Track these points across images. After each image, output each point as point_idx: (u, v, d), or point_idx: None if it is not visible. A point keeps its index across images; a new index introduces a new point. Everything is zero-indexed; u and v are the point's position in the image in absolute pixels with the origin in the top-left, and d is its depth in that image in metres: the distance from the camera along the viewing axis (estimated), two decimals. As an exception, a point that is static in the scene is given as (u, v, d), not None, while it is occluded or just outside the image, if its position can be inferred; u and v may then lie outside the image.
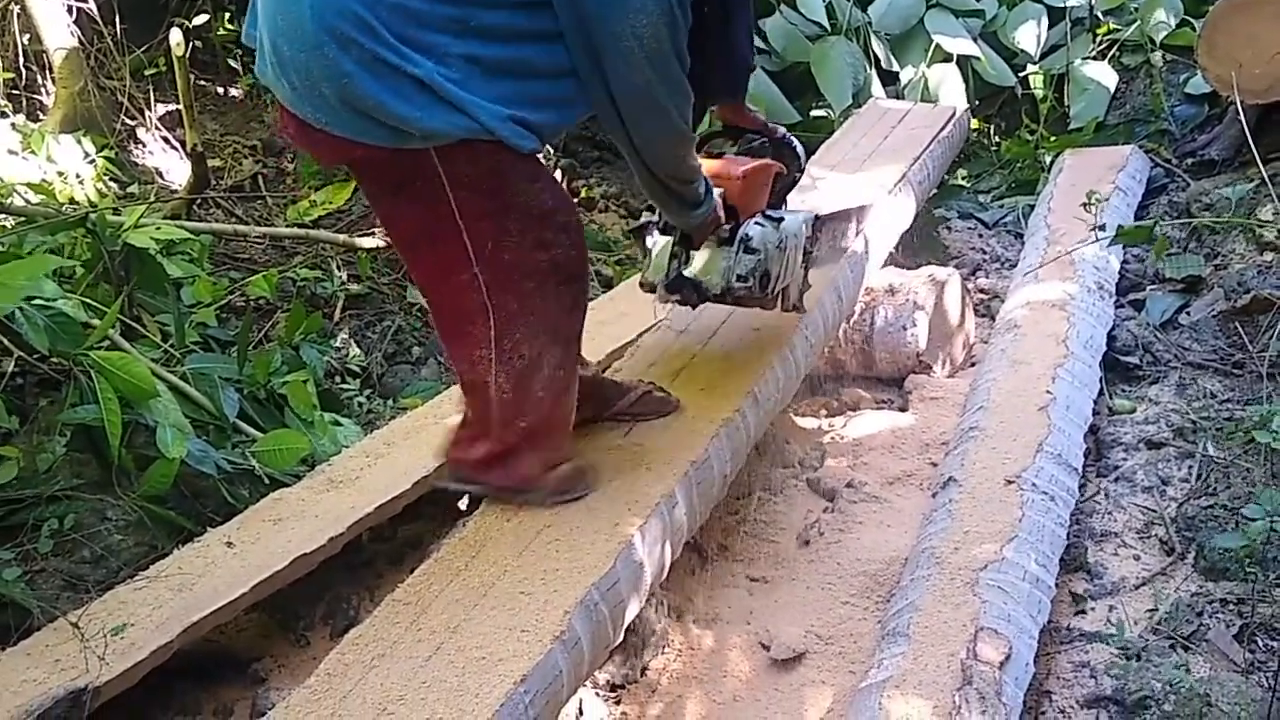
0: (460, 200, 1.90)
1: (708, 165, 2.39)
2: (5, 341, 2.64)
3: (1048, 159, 4.95)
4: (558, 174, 4.82)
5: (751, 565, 2.73)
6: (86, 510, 2.49)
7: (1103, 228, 3.12)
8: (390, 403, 3.45)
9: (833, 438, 3.26)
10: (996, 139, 5.51)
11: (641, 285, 2.53)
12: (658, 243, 2.47)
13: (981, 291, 4.09)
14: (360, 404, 3.42)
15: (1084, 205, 2.98)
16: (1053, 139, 5.18)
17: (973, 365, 3.58)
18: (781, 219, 2.50)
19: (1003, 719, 1.97)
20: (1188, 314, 3.57)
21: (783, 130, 2.61)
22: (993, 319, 3.74)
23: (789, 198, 2.67)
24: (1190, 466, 2.85)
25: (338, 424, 3.01)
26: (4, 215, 3.27)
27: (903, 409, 3.37)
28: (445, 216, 1.92)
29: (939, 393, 3.33)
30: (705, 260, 2.45)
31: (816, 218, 2.69)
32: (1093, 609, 2.46)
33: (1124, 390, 3.29)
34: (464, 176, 1.88)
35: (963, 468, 2.67)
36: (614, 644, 2.12)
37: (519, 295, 2.00)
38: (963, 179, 5.30)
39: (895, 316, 3.40)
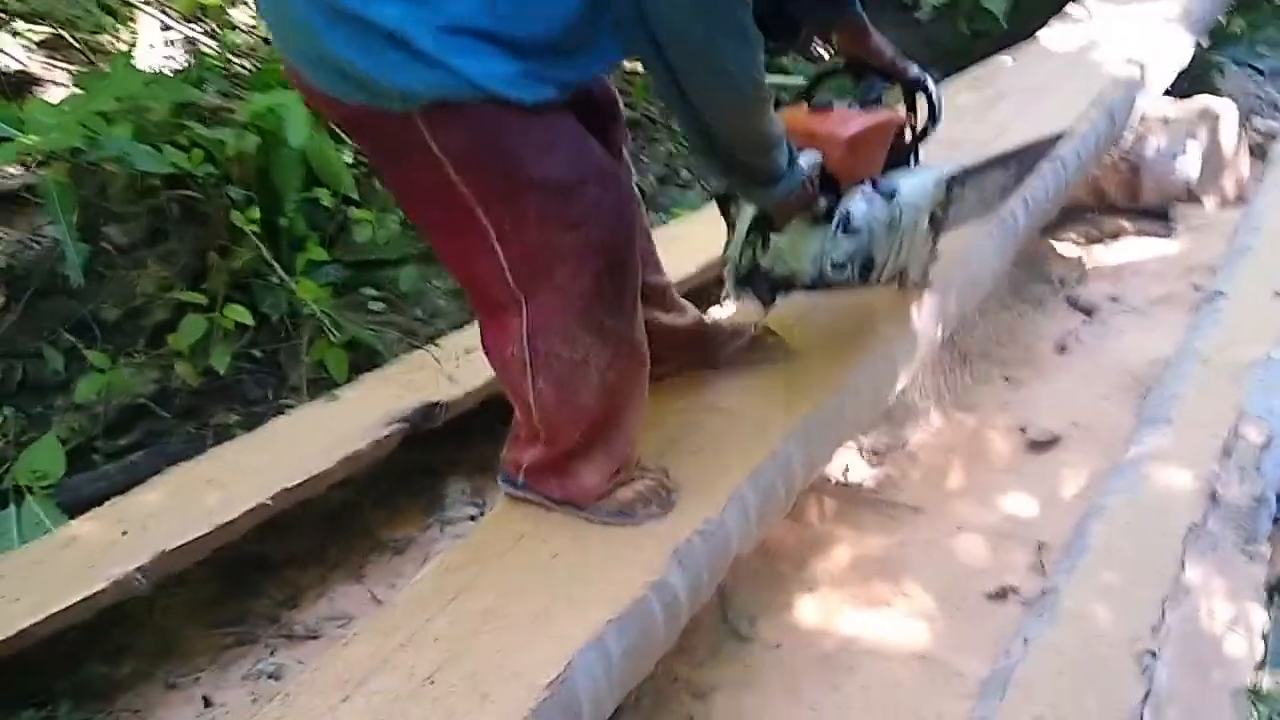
0: (462, 175, 1.52)
1: (805, 122, 1.93)
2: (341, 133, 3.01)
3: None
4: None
5: (1008, 367, 2.88)
6: (417, 277, 2.86)
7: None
8: (660, 216, 3.71)
9: (1094, 263, 3.32)
10: (1280, -12, 5.23)
11: (724, 268, 2.07)
12: (743, 213, 1.98)
13: (1256, 132, 3.99)
14: (635, 216, 3.69)
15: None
16: (1344, -12, 4.89)
17: (1242, 201, 3.55)
18: (894, 191, 1.98)
19: (1260, 490, 2.08)
20: None
21: (916, 70, 2.09)
22: (1265, 160, 3.67)
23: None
24: None
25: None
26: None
27: (1166, 238, 3.39)
28: (453, 191, 1.54)
29: (1207, 222, 3.34)
30: (793, 241, 1.97)
31: (953, 178, 2.18)
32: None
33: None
34: (459, 147, 1.50)
35: (1231, 281, 2.71)
36: (884, 407, 2.33)
37: (551, 283, 1.61)
38: (1240, 30, 5.08)
39: (1167, 145, 3.39)
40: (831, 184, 1.93)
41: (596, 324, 1.65)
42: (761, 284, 2.01)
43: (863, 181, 1.97)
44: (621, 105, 1.89)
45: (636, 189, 1.89)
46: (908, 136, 2.11)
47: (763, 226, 1.96)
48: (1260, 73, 4.59)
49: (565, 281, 1.61)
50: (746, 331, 2.19)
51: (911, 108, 2.11)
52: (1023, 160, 2.60)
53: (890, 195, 1.98)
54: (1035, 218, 2.76)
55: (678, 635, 1.79)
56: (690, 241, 2.74)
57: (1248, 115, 4.17)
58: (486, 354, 1.80)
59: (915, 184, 2.05)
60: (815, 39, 1.97)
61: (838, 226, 1.93)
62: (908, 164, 2.12)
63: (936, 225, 2.18)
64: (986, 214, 2.52)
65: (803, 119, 1.94)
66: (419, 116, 1.47)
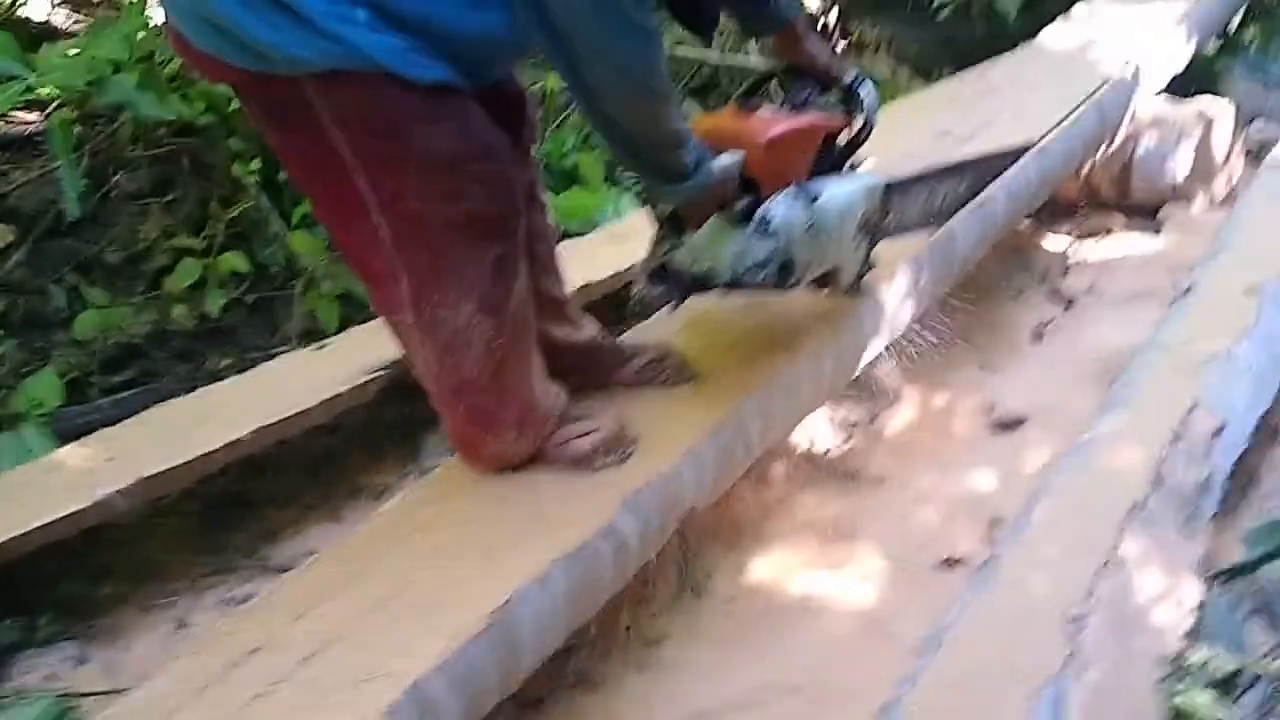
0: (348, 141, 1.53)
1: (730, 123, 1.94)
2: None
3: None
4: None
5: (984, 352, 2.94)
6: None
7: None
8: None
9: (1078, 257, 3.38)
10: (1294, -2, 5.24)
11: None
12: (664, 210, 1.97)
13: (1255, 140, 4.03)
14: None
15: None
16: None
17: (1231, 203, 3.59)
18: (816, 196, 1.97)
19: (1206, 474, 2.14)
20: None
21: (854, 73, 2.08)
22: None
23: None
24: None
25: (623, 193, 3.35)
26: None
27: (1154, 235, 3.44)
28: (336, 159, 1.56)
29: (1195, 222, 3.39)
30: (711, 239, 1.94)
31: (890, 186, 2.18)
32: (1315, 414, 2.55)
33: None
34: (347, 114, 1.51)
35: (1205, 277, 2.77)
36: (850, 378, 2.41)
37: (430, 251, 1.62)
38: (1253, 37, 5.11)
39: (1158, 145, 3.45)
40: (753, 186, 1.92)
41: (478, 293, 1.64)
42: (672, 282, 2.00)
43: (788, 184, 1.96)
44: (534, 106, 1.87)
45: (544, 197, 1.94)
46: (844, 140, 2.09)
47: (676, 224, 1.95)
48: (1266, 84, 4.62)
49: (444, 248, 1.61)
50: (647, 352, 2.12)
51: (848, 112, 2.09)
52: (977, 171, 2.57)
53: (813, 199, 1.97)
54: (1017, 206, 2.82)
55: (626, 579, 1.87)
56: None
57: (1249, 121, 4.21)
58: (387, 326, 1.84)
59: (842, 191, 2.04)
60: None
61: (756, 228, 1.92)
62: (840, 169, 2.10)
63: (872, 233, 2.17)
64: (933, 224, 2.51)
65: (728, 120, 1.96)
66: (308, 82, 1.48)
